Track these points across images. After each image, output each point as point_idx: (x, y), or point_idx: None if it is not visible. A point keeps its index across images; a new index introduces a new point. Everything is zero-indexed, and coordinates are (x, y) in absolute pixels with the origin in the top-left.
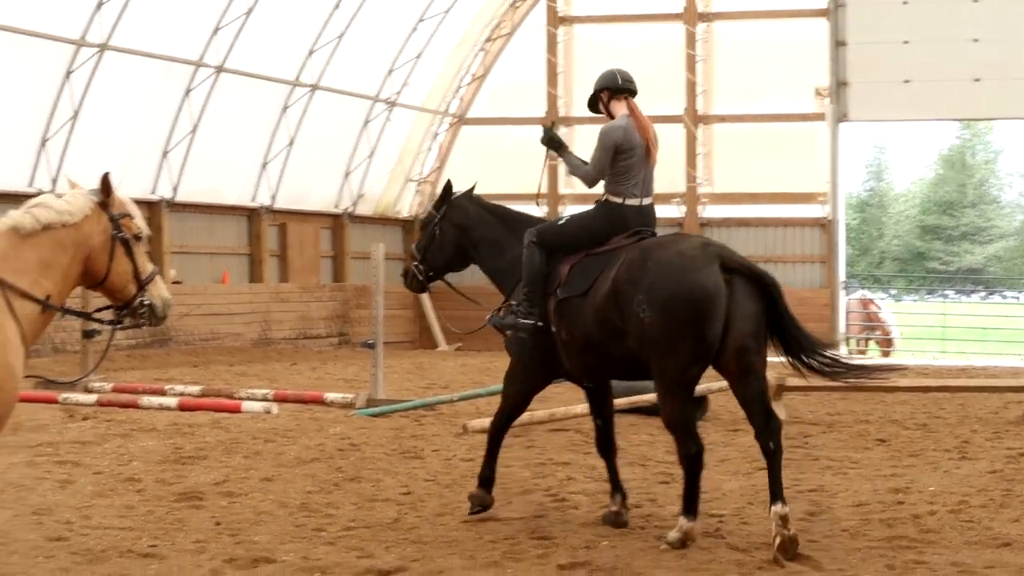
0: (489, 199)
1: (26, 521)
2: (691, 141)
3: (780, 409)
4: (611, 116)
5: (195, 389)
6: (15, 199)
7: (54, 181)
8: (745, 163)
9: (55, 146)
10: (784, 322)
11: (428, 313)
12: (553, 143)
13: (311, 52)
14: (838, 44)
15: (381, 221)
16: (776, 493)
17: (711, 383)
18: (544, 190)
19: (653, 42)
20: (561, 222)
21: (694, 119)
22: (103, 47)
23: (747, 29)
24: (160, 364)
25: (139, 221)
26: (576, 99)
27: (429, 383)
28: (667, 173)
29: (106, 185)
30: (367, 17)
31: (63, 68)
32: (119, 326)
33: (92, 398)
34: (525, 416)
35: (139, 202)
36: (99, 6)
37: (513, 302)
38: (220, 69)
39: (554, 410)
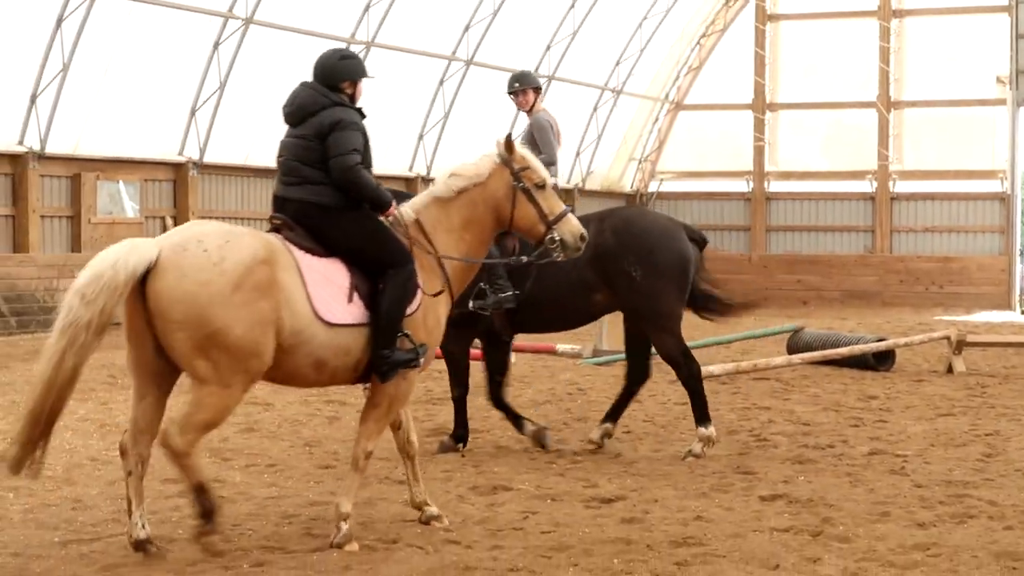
0: (702, 176)
1: (299, 451)
2: (883, 124)
3: (960, 363)
4: (532, 110)
5: None
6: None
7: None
8: (932, 144)
9: None
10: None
11: None
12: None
13: (548, 47)
14: (1018, 37)
15: (607, 194)
16: (704, 417)
17: (897, 338)
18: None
19: (850, 36)
20: None
21: (886, 104)
22: (369, 44)
23: (935, 24)
24: None
25: (541, 171)
26: (780, 87)
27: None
28: (861, 152)
29: (509, 144)
30: (598, 15)
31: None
32: (538, 261)
33: None
34: (731, 366)
35: (393, 178)
36: (367, 8)
37: (483, 285)
38: (469, 62)
39: (756, 361)
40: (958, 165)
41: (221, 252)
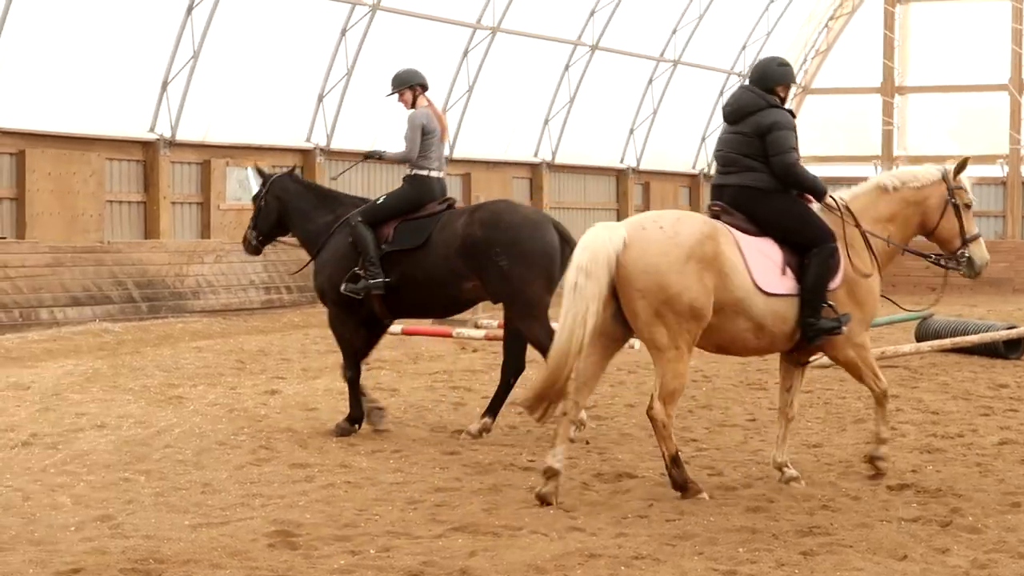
0: (829, 161)
1: (425, 437)
2: (1015, 108)
3: None
4: (413, 106)
5: None
6: (294, 153)
7: (451, 147)
8: None
9: (452, 118)
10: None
11: None
12: (373, 154)
13: (674, 31)
14: None
15: None
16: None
17: None
18: (880, 152)
19: (982, 18)
20: (379, 201)
21: (1019, 87)
22: (495, 30)
23: None
24: None
25: (970, 194)
26: (909, 70)
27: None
28: (992, 136)
29: (960, 166)
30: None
31: (463, 49)
32: (947, 267)
33: (481, 333)
34: None
35: (521, 164)
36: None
37: (358, 270)
38: (595, 48)
39: (884, 348)
40: None
41: (675, 228)
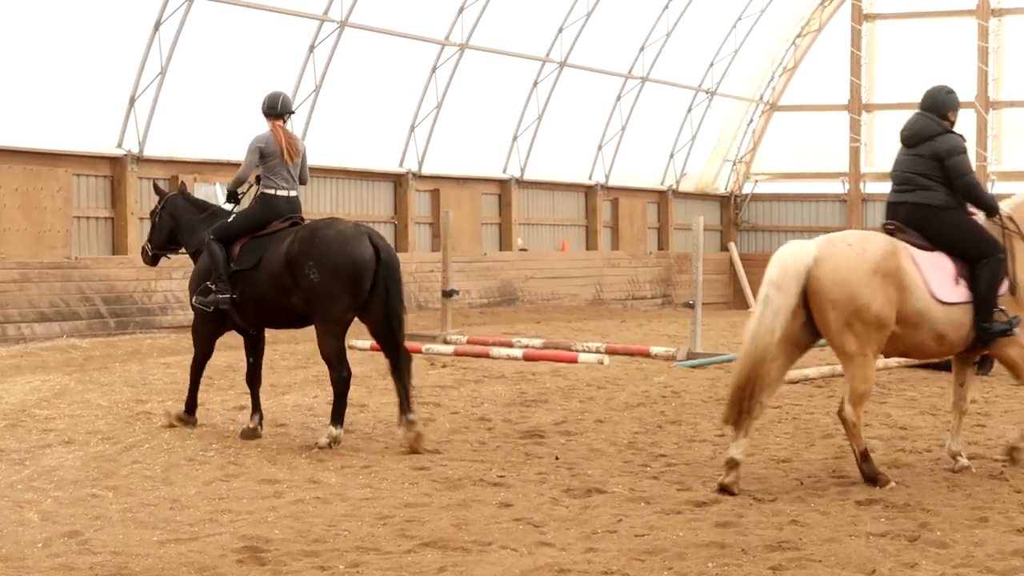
0: (796, 178)
1: (394, 453)
2: (982, 125)
3: None
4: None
5: (538, 342)
6: (385, 176)
7: (420, 163)
8: None
9: (421, 133)
10: (389, 292)
11: (741, 277)
12: (229, 195)
13: (642, 48)
14: None
15: (701, 196)
16: (408, 406)
17: None
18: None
19: (947, 35)
20: (231, 219)
21: (985, 105)
22: (463, 46)
23: None
24: (508, 320)
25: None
26: (876, 87)
27: (741, 339)
28: None
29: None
30: (692, 16)
31: (431, 65)
32: None
33: (450, 348)
34: (827, 369)
35: (490, 180)
36: (461, 10)
37: (210, 284)
38: (563, 64)
39: None
40: None
41: (862, 245)
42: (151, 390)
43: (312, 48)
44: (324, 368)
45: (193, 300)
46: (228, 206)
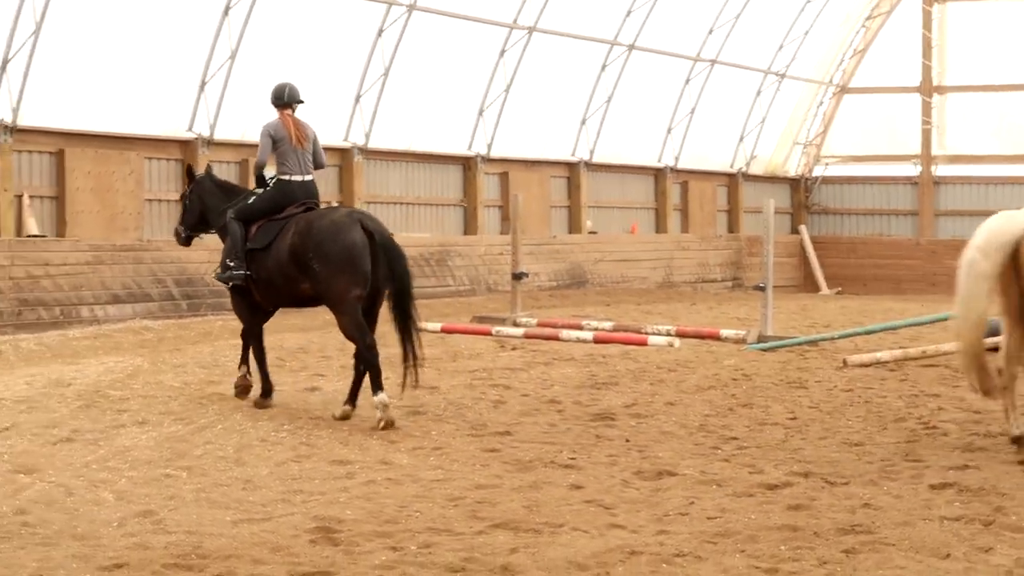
0: (867, 160)
1: (465, 434)
2: None
3: None
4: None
5: (607, 324)
6: (454, 160)
7: (489, 146)
8: None
9: (489, 117)
10: (393, 269)
11: (811, 260)
12: (257, 180)
13: (711, 31)
14: None
15: (771, 179)
16: (377, 386)
17: None
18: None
19: (1020, 18)
20: (251, 200)
21: None
22: (531, 29)
23: None
24: (577, 303)
25: None
26: (948, 70)
27: (812, 322)
28: None
29: None
30: None
31: (499, 48)
32: None
33: (520, 331)
34: (899, 352)
35: (559, 163)
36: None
37: (228, 261)
38: (631, 47)
39: (925, 347)
40: None
41: None
42: (223, 371)
43: (380, 32)
44: (394, 350)
45: (215, 274)
46: (259, 191)
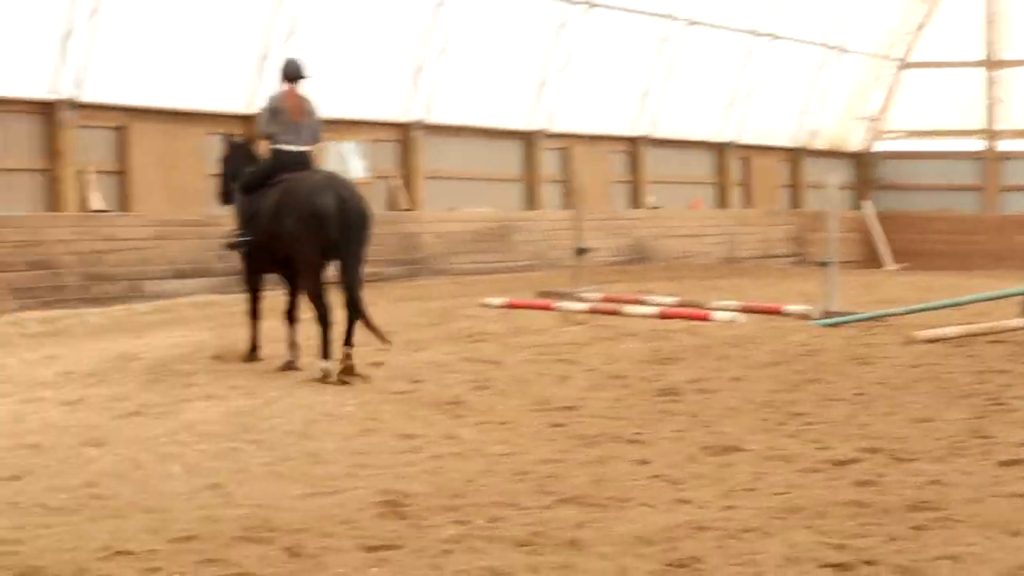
0: (930, 135)
1: (530, 409)
2: None
3: None
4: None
5: (671, 300)
6: (514, 135)
7: (549, 121)
8: None
9: (549, 92)
10: (350, 243)
11: (876, 236)
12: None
13: (771, 4)
14: None
15: (833, 154)
16: (349, 340)
17: None
18: (983, 127)
19: None
20: (251, 169)
21: None
22: (590, 4)
23: None
24: (640, 278)
25: None
26: (1013, 44)
27: (877, 298)
28: None
29: None
30: None
31: (559, 23)
32: None
33: (584, 306)
34: (965, 328)
35: (620, 138)
36: None
37: (234, 230)
38: (691, 22)
39: (993, 323)
40: None
41: None
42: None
43: (440, 5)
44: (458, 324)
45: (224, 241)
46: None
